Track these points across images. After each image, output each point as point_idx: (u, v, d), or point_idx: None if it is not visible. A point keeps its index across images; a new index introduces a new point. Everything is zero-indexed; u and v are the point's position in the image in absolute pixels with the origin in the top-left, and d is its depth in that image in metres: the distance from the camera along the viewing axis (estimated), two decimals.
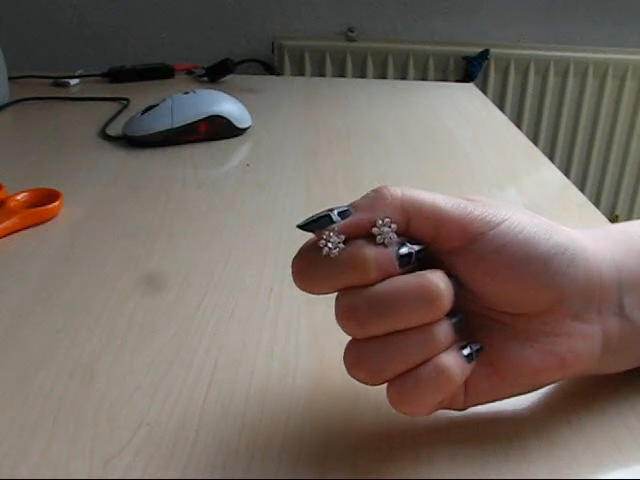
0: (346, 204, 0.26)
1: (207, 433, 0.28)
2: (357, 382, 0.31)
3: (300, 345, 0.34)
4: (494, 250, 0.26)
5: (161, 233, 0.47)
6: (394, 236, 0.25)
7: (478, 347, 0.26)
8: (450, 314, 0.25)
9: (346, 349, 0.26)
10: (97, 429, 0.28)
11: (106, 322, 0.36)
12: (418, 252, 0.26)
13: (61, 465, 0.26)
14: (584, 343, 0.27)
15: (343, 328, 0.25)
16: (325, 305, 0.38)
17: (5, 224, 0.46)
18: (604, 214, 0.51)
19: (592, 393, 0.30)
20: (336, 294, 0.26)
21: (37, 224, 0.48)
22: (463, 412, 0.29)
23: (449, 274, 0.26)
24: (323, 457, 0.27)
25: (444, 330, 0.25)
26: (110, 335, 0.35)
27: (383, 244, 0.25)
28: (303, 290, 0.26)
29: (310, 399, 0.30)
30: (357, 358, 0.26)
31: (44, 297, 0.38)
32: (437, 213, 0.26)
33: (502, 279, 0.26)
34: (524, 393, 0.28)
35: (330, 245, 0.25)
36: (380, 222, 0.25)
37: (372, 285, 0.25)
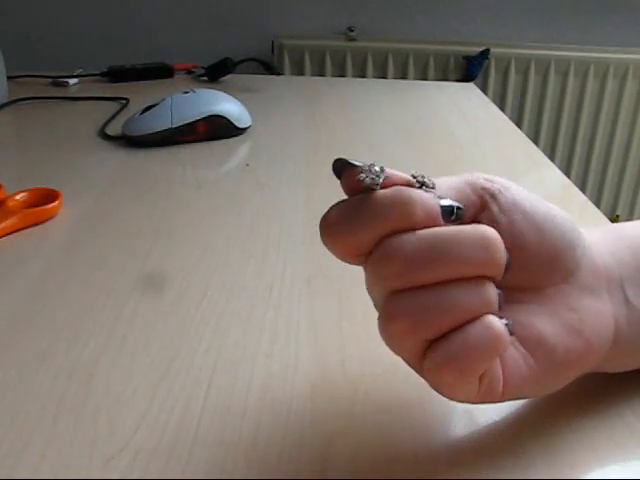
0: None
1: (207, 433, 0.28)
2: (357, 382, 0.31)
3: (300, 345, 0.34)
4: (506, 210, 0.25)
5: (161, 233, 0.47)
6: (433, 189, 0.24)
7: (511, 322, 0.24)
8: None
9: (385, 303, 0.23)
10: (97, 429, 0.28)
11: (106, 322, 0.36)
12: (459, 208, 0.24)
13: (61, 465, 0.26)
14: (602, 322, 0.27)
15: (384, 273, 0.22)
16: (325, 305, 0.38)
17: (4, 224, 0.46)
18: (604, 214, 0.51)
19: (592, 394, 0.30)
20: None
21: (36, 224, 0.48)
22: (462, 413, 0.29)
23: None
24: (323, 457, 0.27)
25: (495, 291, 0.23)
26: (110, 335, 0.35)
27: (427, 193, 0.23)
28: (334, 247, 0.23)
29: (310, 399, 0.30)
30: (398, 307, 0.22)
31: (43, 297, 0.38)
32: (454, 183, 0.26)
33: (529, 243, 0.25)
34: (556, 387, 0.27)
35: (373, 176, 0.23)
36: (413, 175, 0.24)
37: (417, 230, 0.23)
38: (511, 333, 0.24)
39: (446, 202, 0.24)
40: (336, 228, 0.23)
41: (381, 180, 0.23)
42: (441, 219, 0.23)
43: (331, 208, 0.24)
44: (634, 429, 0.29)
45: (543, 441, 0.28)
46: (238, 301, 0.38)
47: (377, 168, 0.23)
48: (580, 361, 0.27)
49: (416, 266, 0.22)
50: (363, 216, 0.23)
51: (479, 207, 0.26)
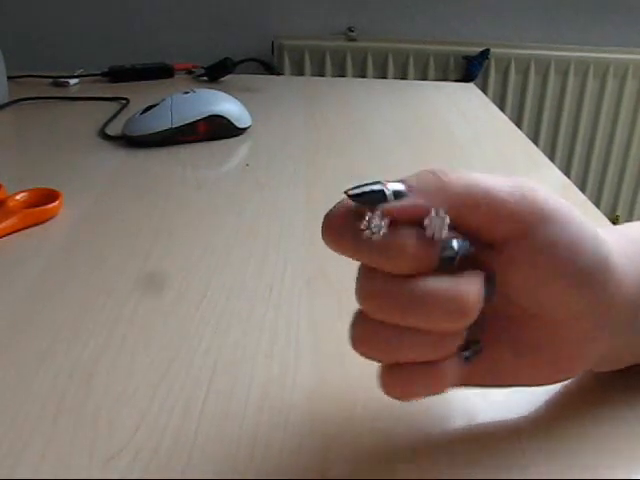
0: (399, 181, 0.24)
1: (207, 433, 0.28)
2: (357, 382, 0.31)
3: (300, 345, 0.34)
4: (542, 248, 0.24)
5: (161, 233, 0.47)
6: (445, 232, 0.23)
7: (478, 349, 0.26)
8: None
9: (355, 321, 0.25)
10: (97, 429, 0.28)
11: (106, 322, 0.36)
12: (464, 253, 0.24)
13: (61, 465, 0.26)
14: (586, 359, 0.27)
15: (360, 304, 0.24)
16: (325, 305, 0.38)
17: (4, 224, 0.46)
18: (604, 214, 0.51)
19: (592, 394, 0.30)
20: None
21: (36, 224, 0.48)
22: (462, 413, 0.29)
23: (486, 267, 0.25)
24: (323, 457, 0.27)
25: (459, 339, 0.25)
26: (110, 335, 0.35)
27: (432, 238, 0.23)
28: (326, 244, 0.24)
29: (310, 399, 0.30)
30: (365, 335, 0.24)
31: (44, 297, 0.38)
32: (494, 207, 0.24)
33: (545, 282, 0.25)
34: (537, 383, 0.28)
35: (373, 229, 0.22)
36: (434, 214, 0.23)
37: (401, 277, 0.23)
38: (471, 361, 0.26)
39: (449, 253, 0.23)
40: (331, 237, 0.24)
41: (382, 232, 0.22)
42: (435, 269, 0.23)
43: (336, 209, 0.24)
44: (634, 429, 0.29)
45: (543, 441, 0.28)
46: (238, 301, 0.38)
47: (376, 221, 0.22)
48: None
49: (388, 312, 0.23)
50: (356, 245, 0.23)
51: (518, 234, 0.25)
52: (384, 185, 0.23)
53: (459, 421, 0.29)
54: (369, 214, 0.22)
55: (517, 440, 0.28)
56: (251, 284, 0.40)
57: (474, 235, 0.25)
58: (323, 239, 0.24)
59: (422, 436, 0.28)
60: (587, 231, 0.25)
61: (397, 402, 0.30)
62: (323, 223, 0.24)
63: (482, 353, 0.27)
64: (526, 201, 0.24)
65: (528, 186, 0.25)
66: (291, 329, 0.36)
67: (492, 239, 0.25)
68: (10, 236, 0.46)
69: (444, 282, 0.23)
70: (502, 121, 0.79)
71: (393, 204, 0.23)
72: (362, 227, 0.22)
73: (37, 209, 0.48)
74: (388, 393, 0.25)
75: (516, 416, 0.29)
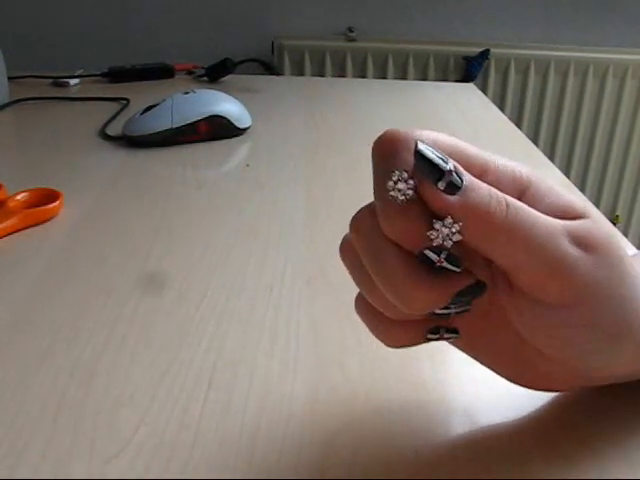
0: (463, 176, 0.22)
1: (207, 433, 0.28)
2: (357, 382, 0.31)
3: (300, 345, 0.34)
4: (559, 325, 0.23)
5: (161, 233, 0.47)
6: (446, 243, 0.22)
7: (450, 339, 0.26)
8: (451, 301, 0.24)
9: (345, 236, 0.25)
10: (97, 429, 0.28)
11: (106, 322, 0.36)
12: (444, 269, 0.22)
13: (61, 465, 0.26)
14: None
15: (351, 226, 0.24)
16: (325, 305, 0.38)
17: (5, 224, 0.46)
18: (605, 214, 0.51)
19: (592, 394, 0.30)
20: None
21: (37, 224, 0.48)
22: (462, 413, 0.29)
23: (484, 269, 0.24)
24: (323, 457, 0.27)
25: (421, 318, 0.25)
26: (110, 335, 0.35)
27: (430, 236, 0.22)
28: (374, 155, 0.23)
29: (310, 399, 0.30)
30: (345, 248, 0.25)
31: (44, 297, 0.38)
32: (524, 260, 0.22)
33: (550, 347, 0.24)
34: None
35: (398, 188, 0.21)
36: (448, 222, 0.21)
37: (387, 238, 0.22)
38: (437, 340, 0.25)
39: (432, 255, 0.22)
40: (383, 155, 0.23)
41: (400, 199, 0.21)
42: (415, 255, 0.22)
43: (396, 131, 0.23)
44: (634, 429, 0.29)
45: (543, 441, 0.28)
46: (238, 301, 0.38)
47: (402, 186, 0.21)
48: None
49: (358, 248, 0.24)
50: (380, 199, 0.22)
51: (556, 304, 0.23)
52: (451, 170, 0.21)
53: (459, 421, 0.29)
54: (402, 173, 0.21)
55: (518, 440, 0.28)
56: (251, 284, 0.40)
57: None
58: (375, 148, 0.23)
59: (422, 436, 0.28)
60: (627, 306, 0.24)
61: (397, 402, 0.30)
62: (380, 137, 0.23)
63: (473, 337, 0.26)
64: (561, 275, 0.22)
65: (575, 260, 0.22)
66: (291, 329, 0.36)
67: (512, 282, 0.24)
68: (10, 236, 0.46)
69: (408, 268, 0.22)
70: (502, 121, 0.79)
71: (429, 187, 0.21)
72: (388, 181, 0.21)
73: (37, 209, 0.48)
74: (355, 307, 0.26)
75: (517, 416, 0.29)
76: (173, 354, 0.33)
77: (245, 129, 0.70)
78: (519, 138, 0.73)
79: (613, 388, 0.30)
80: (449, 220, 0.21)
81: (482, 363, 0.28)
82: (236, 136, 0.69)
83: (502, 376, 0.28)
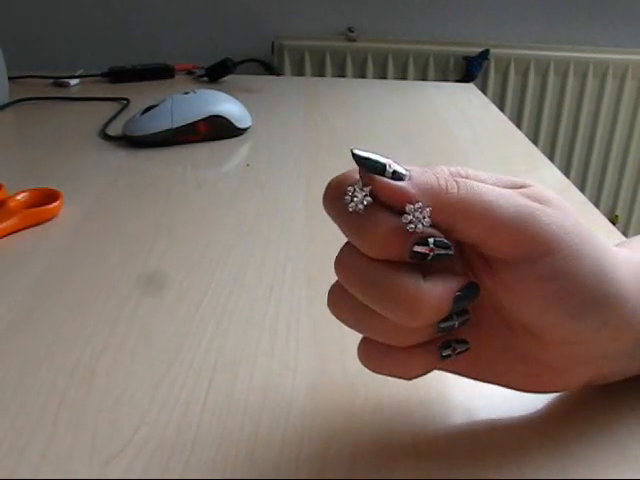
0: (405, 167, 0.23)
1: (207, 433, 0.28)
2: (357, 381, 0.31)
3: (300, 345, 0.34)
4: (541, 278, 0.23)
5: (161, 233, 0.47)
6: (421, 226, 0.22)
7: (463, 350, 0.26)
8: (452, 314, 0.24)
9: (334, 284, 0.25)
10: (97, 429, 0.28)
11: (106, 322, 0.36)
12: (438, 256, 0.23)
13: (61, 465, 0.26)
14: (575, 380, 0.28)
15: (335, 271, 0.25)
16: (325, 305, 0.38)
17: (5, 224, 0.46)
18: (604, 214, 0.51)
19: (592, 393, 0.30)
20: None
21: (37, 224, 0.48)
22: (462, 413, 0.29)
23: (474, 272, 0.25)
24: (323, 457, 0.27)
25: (424, 334, 0.24)
26: (110, 335, 0.35)
27: (408, 230, 0.22)
28: (324, 208, 0.25)
29: (310, 399, 0.30)
30: (334, 299, 0.25)
31: (44, 297, 0.38)
32: (489, 226, 0.23)
33: (539, 309, 0.24)
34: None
35: (353, 201, 0.22)
36: (415, 206, 0.22)
37: (371, 258, 0.23)
38: (452, 357, 0.25)
39: (420, 249, 0.22)
40: (326, 200, 0.24)
41: (359, 207, 0.22)
42: (407, 259, 0.23)
43: (338, 177, 0.24)
44: (634, 429, 0.29)
45: (543, 440, 0.28)
46: (238, 301, 0.38)
47: (359, 195, 0.22)
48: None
49: (349, 285, 0.24)
50: (341, 213, 0.23)
51: (513, 260, 0.24)
52: (391, 162, 0.23)
53: (460, 420, 0.29)
54: (354, 186, 0.23)
55: (517, 439, 0.28)
56: (251, 283, 0.40)
57: (472, 246, 0.24)
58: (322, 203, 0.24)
59: (422, 436, 0.28)
60: (599, 266, 0.24)
61: (397, 402, 0.30)
62: (326, 187, 0.24)
63: (470, 351, 0.26)
64: (527, 226, 0.23)
65: (534, 209, 0.23)
66: (291, 329, 0.36)
67: (488, 256, 0.24)
68: (11, 236, 0.46)
69: (404, 279, 0.23)
70: (502, 121, 0.80)
71: (379, 178, 0.22)
72: (345, 196, 0.23)
73: (38, 209, 0.48)
74: (359, 360, 0.26)
75: (517, 415, 0.29)
76: (173, 354, 0.33)
77: (245, 129, 0.70)
78: (519, 138, 0.73)
79: (612, 385, 0.30)
80: (415, 205, 0.22)
81: (485, 380, 0.28)
82: (236, 136, 0.69)
83: (510, 387, 0.28)
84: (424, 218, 0.22)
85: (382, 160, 0.23)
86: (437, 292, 0.23)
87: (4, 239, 0.45)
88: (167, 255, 0.44)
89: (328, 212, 0.24)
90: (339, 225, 0.23)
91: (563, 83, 1.54)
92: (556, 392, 0.30)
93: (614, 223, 1.62)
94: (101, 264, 0.42)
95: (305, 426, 0.29)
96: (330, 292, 0.26)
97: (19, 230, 0.47)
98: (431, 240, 0.23)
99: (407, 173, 0.23)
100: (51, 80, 0.89)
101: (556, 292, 0.24)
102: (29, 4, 1.51)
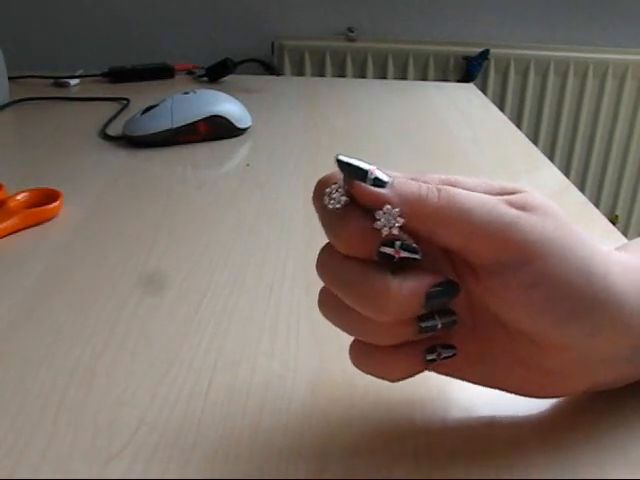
0: (390, 174, 0.24)
1: (207, 433, 0.28)
2: (357, 381, 0.31)
3: (300, 345, 0.34)
4: (523, 285, 0.24)
5: (161, 233, 0.47)
6: (388, 230, 0.23)
7: (449, 355, 0.26)
8: (434, 314, 0.24)
9: (319, 293, 0.26)
10: (97, 429, 0.28)
11: (106, 322, 0.36)
12: (405, 259, 0.23)
13: (61, 465, 0.26)
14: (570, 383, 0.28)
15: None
16: None
17: (5, 224, 0.46)
18: (604, 214, 0.51)
19: (592, 394, 0.30)
20: None
21: (37, 224, 0.48)
22: (463, 411, 0.29)
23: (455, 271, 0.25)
24: (323, 456, 0.27)
25: (401, 333, 0.25)
26: (110, 335, 0.35)
27: (378, 230, 0.23)
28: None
29: (310, 398, 0.30)
30: (323, 300, 0.26)
31: (44, 297, 0.38)
32: (467, 234, 0.23)
33: (527, 315, 0.24)
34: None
35: (331, 199, 0.24)
36: (387, 209, 0.23)
37: (344, 255, 0.24)
38: (437, 361, 0.26)
39: (387, 250, 0.23)
40: (314, 197, 0.25)
41: (335, 206, 0.24)
42: (374, 257, 0.23)
43: (323, 178, 0.25)
44: (635, 429, 0.29)
45: (543, 441, 0.28)
46: (238, 301, 0.38)
47: (336, 195, 0.24)
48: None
49: (325, 282, 0.25)
50: (321, 210, 0.24)
51: (493, 268, 0.24)
52: (373, 169, 0.23)
53: (459, 420, 0.29)
54: (333, 185, 0.24)
55: (517, 439, 0.28)
56: (251, 283, 0.40)
57: (456, 253, 0.25)
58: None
59: (422, 436, 0.28)
60: (586, 272, 0.24)
61: (397, 402, 0.30)
62: (314, 188, 0.25)
63: (470, 355, 0.26)
64: (506, 234, 0.23)
65: (515, 217, 0.23)
66: (291, 329, 0.36)
67: (471, 263, 0.25)
68: (11, 236, 0.46)
69: (372, 274, 0.23)
70: (502, 121, 0.80)
71: (357, 183, 0.23)
72: (324, 195, 0.24)
73: (38, 209, 0.48)
74: (350, 360, 0.27)
75: (517, 415, 0.29)
76: (173, 354, 0.33)
77: (245, 129, 0.70)
78: (519, 138, 0.73)
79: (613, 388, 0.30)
80: (387, 207, 0.23)
81: (486, 385, 0.28)
82: (236, 136, 0.69)
83: (511, 391, 0.28)
84: (395, 222, 0.23)
85: (364, 166, 0.23)
86: (406, 286, 0.23)
87: (4, 239, 0.45)
88: (167, 255, 0.44)
89: (315, 209, 0.25)
90: (320, 221, 0.25)
91: (563, 83, 1.54)
92: (556, 397, 0.30)
93: (614, 223, 1.62)
94: (101, 264, 0.42)
95: (305, 426, 0.29)
96: (320, 293, 0.26)
97: (19, 230, 0.47)
98: (398, 243, 0.23)
99: (389, 180, 0.23)
100: (51, 80, 0.89)
101: (542, 298, 0.24)
102: (29, 4, 1.51)
